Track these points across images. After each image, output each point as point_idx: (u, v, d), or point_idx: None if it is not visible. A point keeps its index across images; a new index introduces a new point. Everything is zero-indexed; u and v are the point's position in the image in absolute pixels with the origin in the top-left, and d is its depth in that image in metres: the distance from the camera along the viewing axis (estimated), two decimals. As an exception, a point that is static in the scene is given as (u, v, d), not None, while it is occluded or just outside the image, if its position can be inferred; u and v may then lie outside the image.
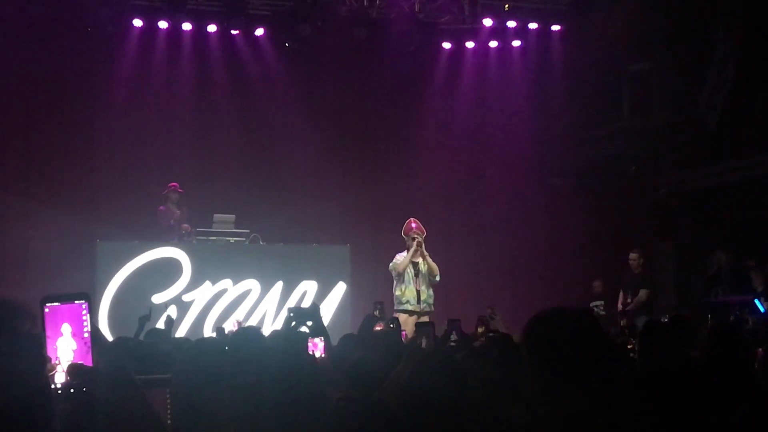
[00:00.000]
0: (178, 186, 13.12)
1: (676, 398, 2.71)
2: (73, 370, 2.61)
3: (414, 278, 11.22)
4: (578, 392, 2.61)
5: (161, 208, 13.02)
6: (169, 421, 3.73)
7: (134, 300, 11.55)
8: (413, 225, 11.49)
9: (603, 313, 13.53)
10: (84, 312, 2.92)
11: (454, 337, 7.48)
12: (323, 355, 4.88)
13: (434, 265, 11.34)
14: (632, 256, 13.03)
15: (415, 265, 11.28)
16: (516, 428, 3.05)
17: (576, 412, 2.57)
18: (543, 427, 2.70)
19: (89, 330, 2.88)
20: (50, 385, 2.17)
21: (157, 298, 12.00)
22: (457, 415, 2.95)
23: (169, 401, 3.91)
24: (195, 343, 4.19)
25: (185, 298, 12.32)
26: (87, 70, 14.36)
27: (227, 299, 12.53)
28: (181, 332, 11.75)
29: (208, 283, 12.44)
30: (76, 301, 2.94)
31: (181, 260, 12.42)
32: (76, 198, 13.95)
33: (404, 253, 11.38)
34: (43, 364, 2.19)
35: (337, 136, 15.61)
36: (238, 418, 3.14)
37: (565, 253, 15.64)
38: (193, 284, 12.38)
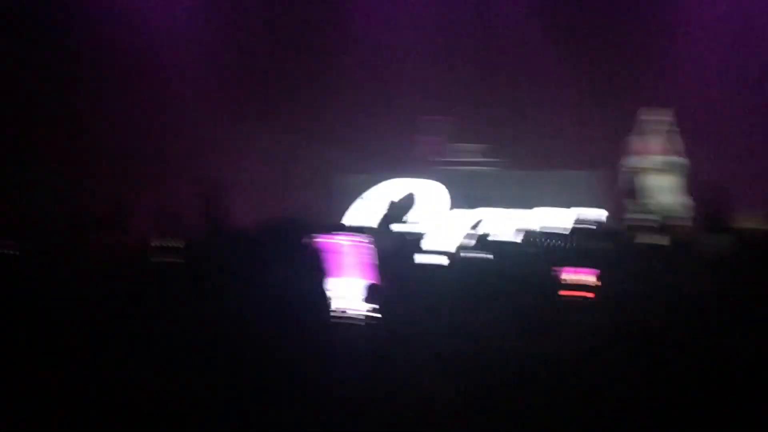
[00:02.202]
0: (445, 117, 13.12)
1: None
2: (370, 290, 2.63)
3: None
4: None
5: (430, 137, 13.06)
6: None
7: (377, 231, 11.64)
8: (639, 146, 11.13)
9: None
10: (366, 246, 3.01)
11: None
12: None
13: None
14: None
15: None
16: None
17: None
18: None
19: (371, 264, 2.94)
20: (328, 300, 2.23)
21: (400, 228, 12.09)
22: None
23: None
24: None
25: (429, 227, 12.32)
26: (330, 2, 14.56)
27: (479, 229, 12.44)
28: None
29: (455, 212, 12.36)
30: (358, 235, 3.05)
31: (428, 191, 12.42)
32: (316, 130, 14.18)
33: None
34: (322, 278, 2.26)
35: (583, 56, 15.00)
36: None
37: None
38: (439, 214, 12.35)
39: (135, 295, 3.06)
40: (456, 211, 12.30)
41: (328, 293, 1.92)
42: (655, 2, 15.05)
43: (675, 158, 11.91)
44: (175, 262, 3.13)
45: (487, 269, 3.41)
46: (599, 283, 4.01)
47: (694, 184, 11.11)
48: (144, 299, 3.01)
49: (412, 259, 7.09)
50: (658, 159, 11.32)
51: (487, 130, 13.88)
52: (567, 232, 4.56)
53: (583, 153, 14.52)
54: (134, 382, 2.37)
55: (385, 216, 3.81)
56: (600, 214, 12.38)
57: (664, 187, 11.21)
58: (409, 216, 12.13)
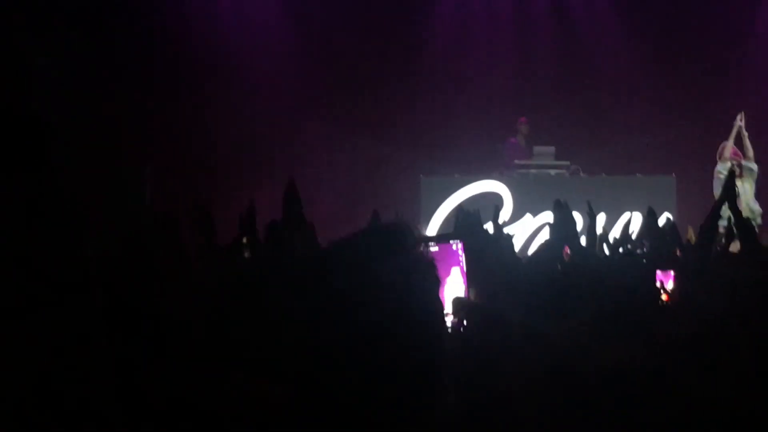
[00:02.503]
0: (526, 120, 13.19)
1: None
2: (457, 305, 2.59)
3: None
4: None
5: (512, 140, 13.14)
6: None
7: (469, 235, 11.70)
8: (731, 150, 10.97)
9: None
10: (460, 253, 2.90)
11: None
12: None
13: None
14: None
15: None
16: None
17: None
18: None
19: (465, 270, 2.84)
20: (442, 308, 2.13)
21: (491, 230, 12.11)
22: None
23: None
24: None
25: (507, 231, 12.32)
26: (409, 5, 14.72)
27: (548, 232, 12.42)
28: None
29: (528, 215, 12.39)
30: (452, 242, 2.93)
31: (502, 194, 12.46)
32: (398, 133, 14.34)
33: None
34: (437, 286, 2.14)
35: (659, 64, 14.93)
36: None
37: None
38: (515, 217, 12.38)
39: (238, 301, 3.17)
40: (537, 214, 12.32)
41: (442, 304, 1.92)
42: (737, 9, 14.91)
43: (751, 164, 11.83)
44: (275, 269, 3.21)
45: (580, 274, 3.48)
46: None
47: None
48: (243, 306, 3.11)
49: (509, 262, 7.17)
50: (742, 164, 11.22)
51: (568, 134, 13.90)
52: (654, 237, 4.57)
53: (661, 158, 14.45)
54: (228, 386, 2.49)
55: (472, 218, 3.79)
56: (674, 218, 12.32)
57: (744, 192, 11.09)
58: (499, 218, 12.14)
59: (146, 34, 13.86)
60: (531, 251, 12.09)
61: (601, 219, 12.46)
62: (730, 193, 4.14)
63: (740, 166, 10.99)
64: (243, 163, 13.93)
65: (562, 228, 3.69)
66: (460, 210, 4.20)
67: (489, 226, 4.25)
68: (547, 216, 12.43)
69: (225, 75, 14.20)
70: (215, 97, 13.92)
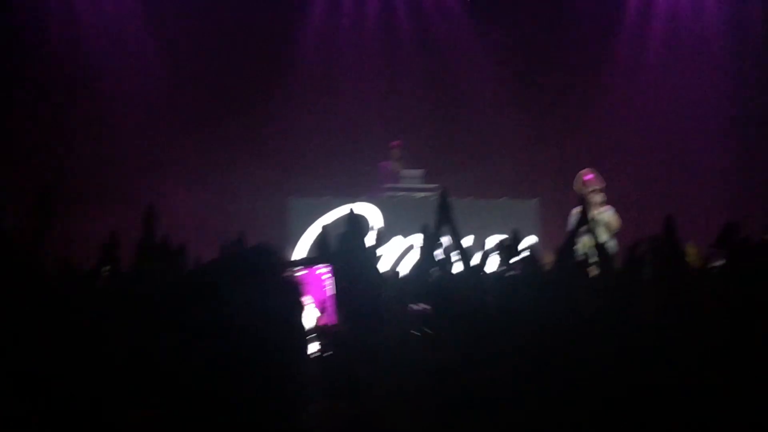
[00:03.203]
0: (398, 144, 13.23)
1: None
2: (320, 332, 2.56)
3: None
4: None
5: (385, 164, 13.17)
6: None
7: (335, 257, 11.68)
8: (591, 176, 11.19)
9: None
10: (327, 277, 2.88)
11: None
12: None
13: (614, 219, 11.02)
14: None
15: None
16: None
17: None
18: None
19: (332, 294, 2.82)
20: (305, 334, 2.11)
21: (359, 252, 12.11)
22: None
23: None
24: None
25: (376, 253, 12.36)
26: (277, 27, 14.74)
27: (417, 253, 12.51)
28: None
29: (398, 237, 12.46)
30: (318, 266, 2.90)
31: (371, 216, 12.50)
32: (266, 155, 14.28)
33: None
34: (301, 310, 2.12)
35: (524, 89, 15.34)
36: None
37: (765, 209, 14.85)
38: (384, 239, 12.43)
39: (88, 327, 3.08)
40: (407, 236, 12.39)
41: (304, 328, 1.89)
42: (597, 37, 15.40)
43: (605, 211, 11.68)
44: (135, 294, 3.14)
45: (447, 291, 3.52)
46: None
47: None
48: (98, 332, 3.03)
49: (375, 283, 7.15)
50: (598, 196, 11.30)
51: (436, 157, 14.09)
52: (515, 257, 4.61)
53: (525, 182, 14.79)
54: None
55: (342, 240, 3.77)
56: (534, 240, 12.53)
57: (599, 224, 11.19)
58: (368, 240, 12.14)
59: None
60: (401, 273, 12.23)
61: (468, 242, 12.65)
62: (584, 219, 4.23)
63: (597, 192, 11.16)
64: (108, 183, 13.65)
65: (430, 251, 3.74)
66: (326, 233, 4.16)
67: (357, 249, 4.23)
68: (416, 238, 12.50)
69: (86, 92, 13.93)
70: (75, 116, 13.65)
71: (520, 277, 3.96)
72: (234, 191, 13.96)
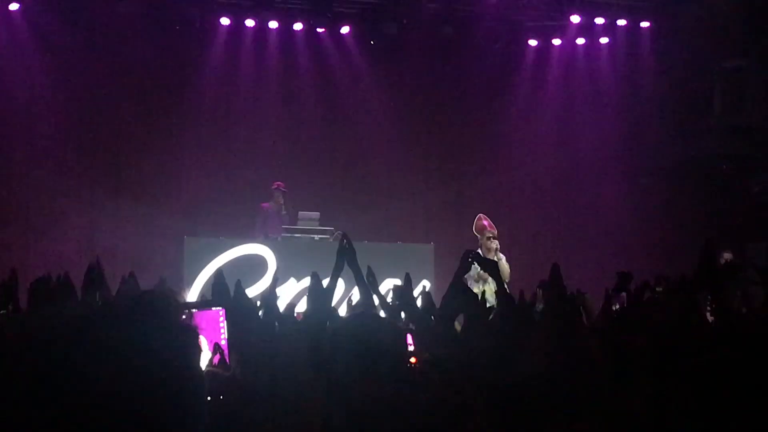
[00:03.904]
0: (282, 185, 13.20)
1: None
2: (211, 377, 2.54)
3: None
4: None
5: (264, 205, 13.13)
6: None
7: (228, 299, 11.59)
8: (485, 223, 11.32)
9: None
10: (221, 319, 2.87)
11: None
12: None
13: (506, 267, 11.11)
14: (726, 257, 12.67)
15: None
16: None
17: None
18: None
19: (226, 337, 2.81)
20: (203, 378, 2.08)
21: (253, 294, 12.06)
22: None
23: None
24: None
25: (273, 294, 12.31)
26: (175, 68, 14.63)
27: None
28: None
29: (293, 280, 12.44)
30: (214, 309, 2.89)
31: (266, 257, 12.46)
32: (162, 195, 14.16)
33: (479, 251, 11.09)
34: (198, 355, 2.09)
35: (422, 134, 15.59)
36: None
37: (655, 255, 15.29)
38: (278, 281, 12.38)
39: None
40: (301, 278, 12.35)
41: (202, 373, 1.87)
42: (487, 88, 15.72)
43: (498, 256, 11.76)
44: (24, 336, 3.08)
45: (341, 333, 3.53)
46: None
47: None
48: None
49: (269, 325, 7.12)
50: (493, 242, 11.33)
51: (332, 200, 14.15)
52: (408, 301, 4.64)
53: (420, 225, 14.97)
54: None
55: (237, 283, 3.76)
56: (432, 284, 12.63)
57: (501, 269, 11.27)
58: (261, 281, 12.12)
59: None
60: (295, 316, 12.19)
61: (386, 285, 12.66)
62: (487, 263, 4.32)
63: (492, 238, 11.28)
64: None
65: (319, 296, 3.75)
66: (220, 275, 4.14)
67: (250, 291, 4.24)
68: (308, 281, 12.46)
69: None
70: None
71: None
72: (131, 231, 13.75)
